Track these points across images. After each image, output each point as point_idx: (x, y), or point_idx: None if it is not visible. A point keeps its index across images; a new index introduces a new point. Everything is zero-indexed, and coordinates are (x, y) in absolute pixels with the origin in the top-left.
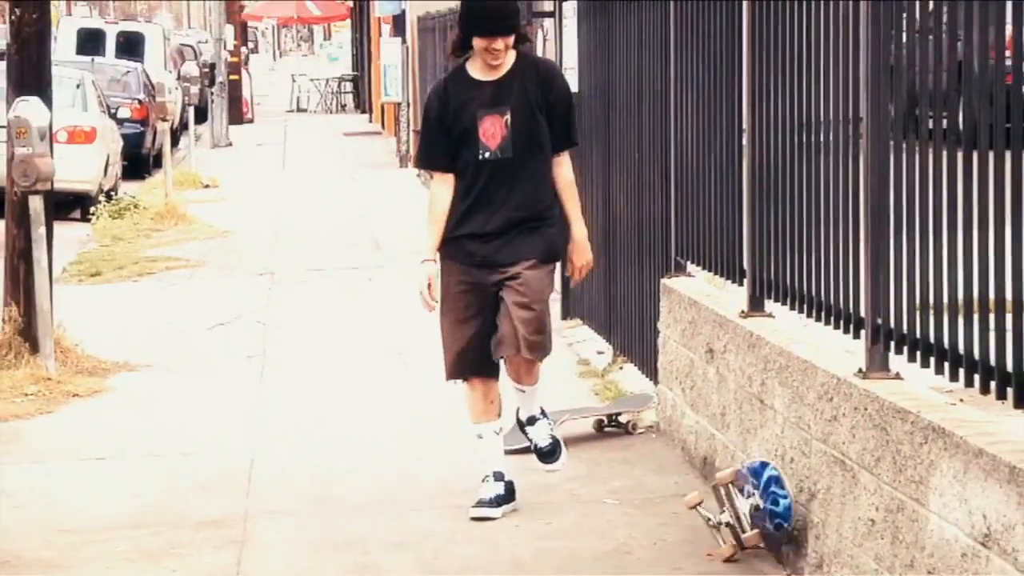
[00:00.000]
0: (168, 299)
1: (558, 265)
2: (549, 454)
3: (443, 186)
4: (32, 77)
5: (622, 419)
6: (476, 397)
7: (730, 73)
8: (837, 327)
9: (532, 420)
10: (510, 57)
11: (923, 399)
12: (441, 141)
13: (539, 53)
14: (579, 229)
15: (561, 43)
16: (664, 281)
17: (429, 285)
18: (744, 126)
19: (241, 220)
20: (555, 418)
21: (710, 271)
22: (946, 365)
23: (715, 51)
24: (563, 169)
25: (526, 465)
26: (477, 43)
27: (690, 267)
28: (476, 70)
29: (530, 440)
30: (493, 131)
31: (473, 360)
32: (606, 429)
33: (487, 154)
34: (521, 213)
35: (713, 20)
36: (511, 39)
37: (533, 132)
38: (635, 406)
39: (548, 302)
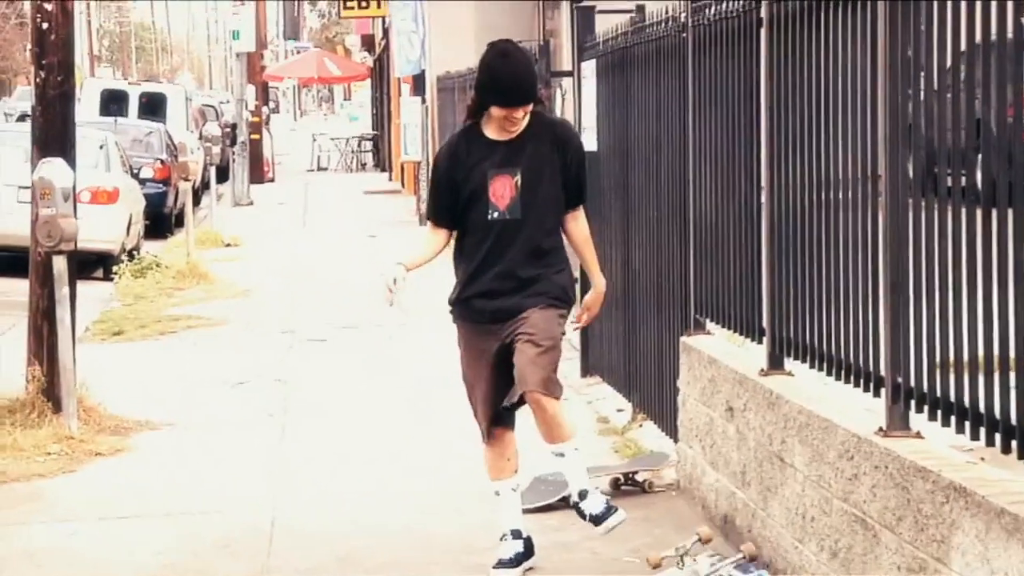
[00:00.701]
0: (190, 358)
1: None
2: (605, 515)
3: (436, 235)
4: (56, 138)
5: (639, 478)
6: (494, 454)
7: (748, 131)
8: (857, 385)
9: (583, 494)
10: (525, 118)
11: (944, 458)
12: (446, 198)
13: (558, 112)
14: (601, 281)
15: (580, 102)
16: (683, 339)
17: (395, 281)
18: (763, 184)
19: (262, 278)
20: None
21: (729, 329)
22: (967, 424)
23: (733, 110)
24: (579, 223)
25: (545, 523)
26: (495, 111)
27: (709, 325)
28: (490, 130)
29: (587, 514)
30: (503, 192)
31: (492, 413)
32: (623, 487)
33: (496, 214)
34: (529, 272)
35: (731, 79)
36: (530, 107)
37: (543, 193)
38: (652, 465)
39: (559, 342)
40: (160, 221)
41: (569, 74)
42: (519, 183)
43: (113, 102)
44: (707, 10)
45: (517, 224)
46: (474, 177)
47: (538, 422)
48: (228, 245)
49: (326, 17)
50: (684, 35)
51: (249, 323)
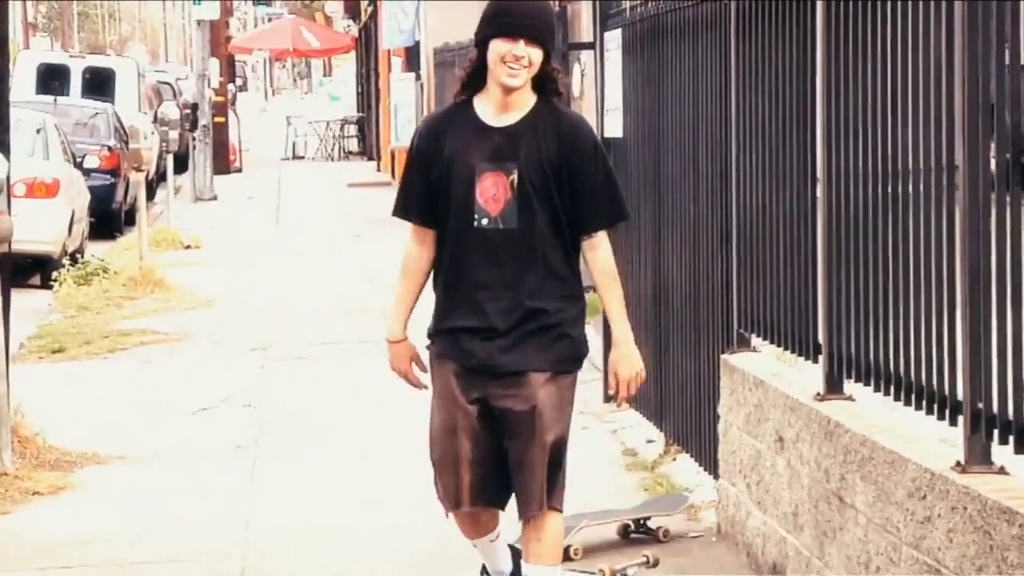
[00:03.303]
0: (144, 379)
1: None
2: None
3: (418, 245)
4: None
5: (652, 524)
6: (464, 522)
7: (802, 114)
8: (930, 412)
9: None
10: (528, 99)
11: None
12: (422, 186)
13: (576, 91)
14: (623, 331)
15: (603, 79)
16: (725, 358)
17: (412, 361)
18: (818, 176)
19: (228, 286)
20: (571, 524)
21: (779, 346)
22: None
23: (784, 88)
24: (599, 253)
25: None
26: (494, 51)
27: (755, 341)
28: (485, 109)
29: None
30: (495, 193)
31: (474, 489)
32: (632, 536)
33: (485, 221)
34: (533, 304)
35: (781, 52)
36: (538, 52)
37: (546, 200)
38: (668, 508)
39: (568, 426)
40: (108, 218)
41: (590, 46)
42: (515, 183)
43: (52, 78)
44: None
45: (512, 236)
46: (458, 168)
47: (527, 538)
48: (188, 247)
49: None
50: (727, 1)
51: (213, 338)
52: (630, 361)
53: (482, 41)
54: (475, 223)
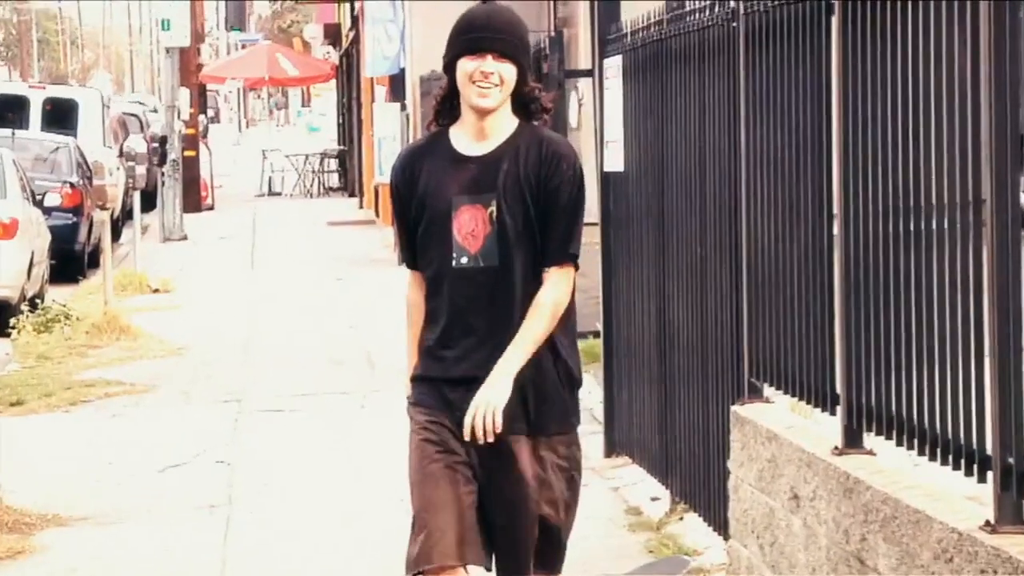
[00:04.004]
0: (109, 434)
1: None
2: None
3: (418, 291)
4: None
5: None
6: None
7: (816, 143)
8: (957, 467)
9: None
10: (508, 124)
11: None
12: (408, 228)
13: (573, 121)
14: (507, 361)
15: (602, 108)
16: (735, 408)
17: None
18: (835, 210)
19: (200, 333)
20: None
21: (793, 396)
22: None
23: (797, 116)
24: (547, 288)
25: None
26: (461, 71)
27: (768, 390)
28: (461, 138)
29: None
30: (473, 227)
31: (451, 543)
32: None
33: (464, 259)
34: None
35: (794, 79)
36: (510, 68)
37: (529, 233)
38: (672, 572)
39: (578, 496)
40: (70, 261)
41: (588, 73)
42: (494, 215)
43: (9, 110)
44: None
45: (494, 275)
46: (433, 204)
47: None
48: (156, 291)
49: (279, 2)
50: (735, 24)
51: (183, 390)
52: (486, 393)
53: (450, 64)
54: (453, 262)
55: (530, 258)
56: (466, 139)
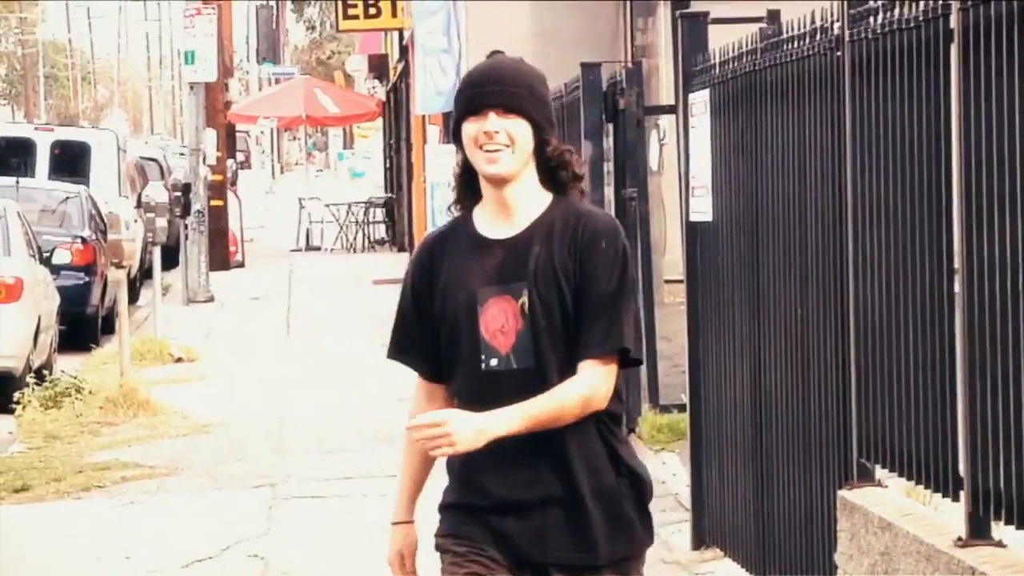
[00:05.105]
0: (125, 523)
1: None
2: None
3: (425, 402)
4: None
5: None
6: None
7: (934, 187)
8: None
9: None
10: (537, 197)
11: None
12: (416, 329)
13: (654, 164)
14: (509, 413)
15: (687, 150)
16: (843, 494)
17: (402, 557)
18: (956, 265)
19: (229, 409)
20: None
21: (909, 479)
22: None
23: (912, 156)
24: (581, 378)
25: None
26: (466, 137)
27: (879, 472)
28: (484, 219)
29: None
30: (503, 324)
31: None
32: None
33: (494, 361)
34: (574, 468)
35: (908, 115)
36: (520, 123)
37: (567, 325)
38: None
39: None
40: (82, 326)
41: (671, 109)
42: (526, 307)
43: (13, 155)
44: (871, 18)
45: (529, 378)
46: (455, 298)
47: None
48: (179, 360)
49: (317, 30)
50: (839, 54)
51: (210, 473)
52: (464, 423)
53: (455, 132)
54: (483, 366)
55: (569, 356)
56: (490, 220)
